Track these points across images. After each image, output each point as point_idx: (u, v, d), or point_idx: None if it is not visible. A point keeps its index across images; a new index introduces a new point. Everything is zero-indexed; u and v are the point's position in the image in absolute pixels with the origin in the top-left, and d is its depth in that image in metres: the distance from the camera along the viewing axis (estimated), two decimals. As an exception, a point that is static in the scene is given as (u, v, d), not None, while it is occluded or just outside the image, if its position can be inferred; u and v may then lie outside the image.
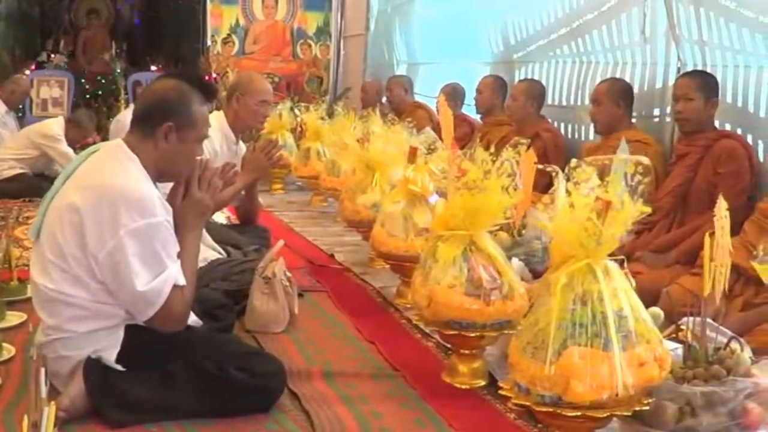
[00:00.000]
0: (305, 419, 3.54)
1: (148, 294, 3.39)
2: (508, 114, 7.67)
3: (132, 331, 3.53)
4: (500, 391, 3.32)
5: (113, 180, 3.45)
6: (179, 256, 3.54)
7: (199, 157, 3.75)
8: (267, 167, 5.72)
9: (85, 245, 3.39)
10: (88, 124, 9.76)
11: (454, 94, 8.87)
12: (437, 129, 5.62)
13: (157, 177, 3.61)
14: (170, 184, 3.73)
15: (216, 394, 3.50)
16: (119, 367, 3.50)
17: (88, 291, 3.45)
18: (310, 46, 13.35)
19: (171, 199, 3.69)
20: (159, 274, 3.41)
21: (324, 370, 4.07)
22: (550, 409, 3.02)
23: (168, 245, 3.48)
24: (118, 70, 13.81)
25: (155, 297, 3.41)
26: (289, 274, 4.86)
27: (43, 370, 2.46)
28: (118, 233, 3.35)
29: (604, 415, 3.01)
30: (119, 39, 15.55)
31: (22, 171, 9.31)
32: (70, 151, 9.06)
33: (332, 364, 4.18)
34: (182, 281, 3.48)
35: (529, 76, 8.16)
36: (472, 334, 3.75)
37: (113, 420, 3.42)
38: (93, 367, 3.48)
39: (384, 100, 11.00)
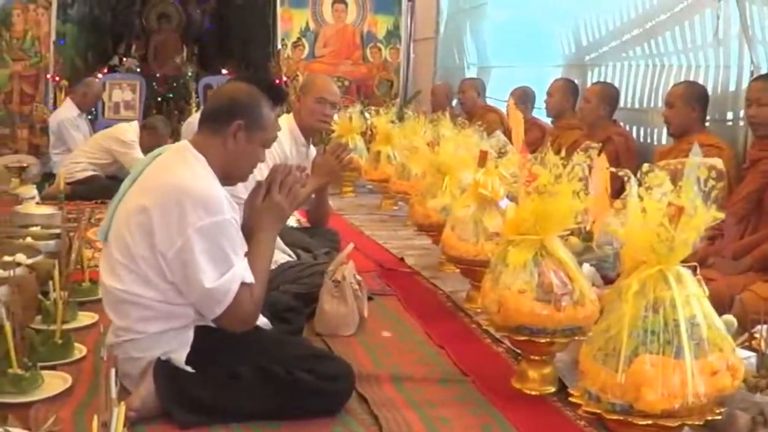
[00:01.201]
0: (373, 423, 3.54)
1: (216, 292, 3.41)
2: (580, 116, 7.61)
3: (201, 332, 3.56)
4: (570, 398, 3.30)
5: (180, 179, 3.48)
6: (248, 255, 3.56)
7: (285, 163, 3.79)
8: (337, 170, 5.73)
9: (154, 245, 3.42)
10: (163, 129, 9.79)
11: (524, 98, 8.83)
12: (508, 133, 5.59)
13: (222, 178, 3.62)
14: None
15: (284, 397, 3.50)
16: (189, 369, 3.53)
17: (158, 291, 3.48)
18: (379, 49, 13.33)
19: (251, 200, 3.75)
20: (226, 272, 3.42)
21: (392, 374, 4.06)
22: (621, 418, 2.99)
23: (235, 243, 3.49)
24: (189, 74, 13.91)
25: (223, 295, 3.42)
26: (358, 277, 4.86)
27: (113, 370, 2.47)
28: (185, 232, 3.38)
29: (676, 424, 2.97)
30: (190, 43, 15.69)
31: (94, 173, 9.43)
32: (142, 155, 9.14)
33: (401, 368, 4.17)
34: (249, 279, 3.48)
35: (601, 78, 8.09)
36: (543, 340, 3.73)
37: (182, 421, 3.45)
38: (163, 368, 3.51)
39: (455, 102, 10.97)
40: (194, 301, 3.49)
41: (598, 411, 3.07)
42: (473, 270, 4.98)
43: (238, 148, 3.62)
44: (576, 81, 8.36)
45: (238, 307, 3.46)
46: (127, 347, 3.56)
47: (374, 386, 3.89)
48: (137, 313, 3.51)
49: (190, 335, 3.55)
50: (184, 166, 3.55)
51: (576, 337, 3.71)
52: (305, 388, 3.51)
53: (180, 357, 3.53)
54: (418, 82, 13.40)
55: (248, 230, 3.68)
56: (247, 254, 3.55)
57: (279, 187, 3.72)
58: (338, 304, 4.68)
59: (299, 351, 3.77)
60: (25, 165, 10.07)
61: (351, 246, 4.99)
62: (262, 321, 3.83)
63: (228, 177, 3.65)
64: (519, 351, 4.07)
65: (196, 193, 3.43)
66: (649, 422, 2.95)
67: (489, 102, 10.50)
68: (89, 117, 11.42)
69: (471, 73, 11.83)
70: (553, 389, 3.86)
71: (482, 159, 5.02)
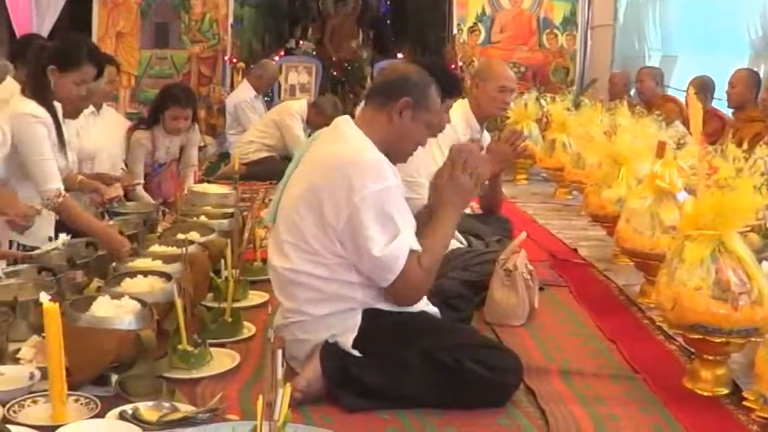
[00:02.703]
0: (539, 416, 3.49)
1: (385, 259, 3.44)
2: (762, 108, 7.40)
3: (369, 316, 3.58)
4: (744, 402, 3.20)
5: (340, 152, 3.54)
6: (427, 229, 3.60)
7: (468, 143, 3.81)
8: (511, 157, 5.73)
9: (324, 220, 3.47)
10: (331, 111, 9.69)
11: (703, 87, 8.60)
12: (687, 123, 5.45)
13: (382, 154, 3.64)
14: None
15: (451, 386, 3.48)
16: (356, 353, 3.55)
17: (327, 267, 3.53)
18: (556, 35, 13.18)
19: (435, 180, 3.78)
20: (394, 238, 3.45)
21: (562, 368, 4.00)
22: (797, 425, 2.88)
23: (401, 209, 3.53)
24: (365, 58, 14.00)
25: (392, 261, 3.45)
26: (530, 266, 4.82)
27: (280, 351, 2.50)
28: (352, 201, 3.42)
29: None
30: (366, 27, 15.73)
31: (269, 154, 9.59)
32: (302, 135, 9.25)
33: (571, 362, 4.10)
34: (417, 246, 3.50)
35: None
36: (718, 340, 3.60)
37: (347, 404, 3.47)
38: (330, 351, 3.55)
39: (633, 91, 10.79)
40: (367, 272, 3.52)
41: (774, 417, 2.97)
42: (648, 264, 4.86)
43: (401, 125, 3.66)
44: (762, 68, 8.13)
45: (407, 275, 3.48)
46: (294, 329, 3.61)
47: (542, 379, 3.84)
48: (305, 295, 3.57)
49: (358, 319, 3.58)
50: (342, 140, 3.61)
51: (753, 339, 3.58)
52: (472, 378, 3.48)
53: (347, 340, 3.55)
54: (594, 70, 13.21)
55: (432, 211, 3.74)
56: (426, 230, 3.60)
57: (462, 166, 3.72)
58: (509, 294, 4.64)
59: (468, 340, 3.75)
60: (202, 145, 10.31)
61: (523, 234, 4.95)
62: (432, 309, 3.83)
63: (387, 154, 3.64)
64: (692, 350, 3.94)
65: (359, 163, 3.48)
66: (827, 431, 2.84)
67: (669, 91, 10.30)
68: (266, 99, 11.65)
69: (653, 61, 11.61)
70: (726, 391, 3.72)
71: (660, 150, 4.90)
